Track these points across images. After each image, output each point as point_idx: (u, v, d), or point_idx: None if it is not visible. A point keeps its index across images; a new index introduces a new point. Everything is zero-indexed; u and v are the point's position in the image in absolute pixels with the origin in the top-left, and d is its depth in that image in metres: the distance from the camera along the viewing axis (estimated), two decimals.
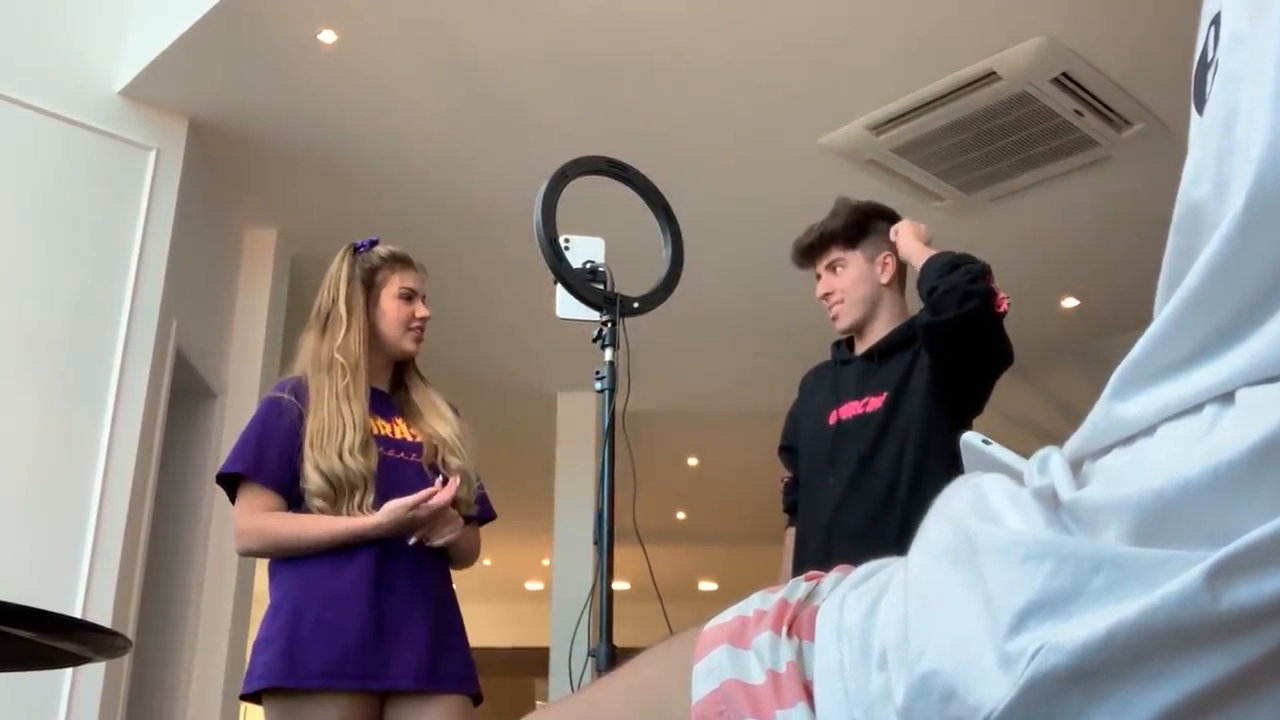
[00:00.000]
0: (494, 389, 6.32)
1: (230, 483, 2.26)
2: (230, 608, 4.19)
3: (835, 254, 2.49)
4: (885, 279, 2.48)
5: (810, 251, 2.53)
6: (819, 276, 2.53)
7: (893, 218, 2.55)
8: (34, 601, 1.57)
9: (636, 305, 2.22)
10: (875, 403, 2.36)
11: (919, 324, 2.30)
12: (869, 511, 2.27)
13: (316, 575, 2.17)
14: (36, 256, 3.52)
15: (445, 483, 2.23)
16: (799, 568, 2.40)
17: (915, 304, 2.53)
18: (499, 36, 3.58)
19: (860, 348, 2.50)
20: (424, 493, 2.18)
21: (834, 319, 2.51)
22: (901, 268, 2.51)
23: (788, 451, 2.60)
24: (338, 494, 2.19)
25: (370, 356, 2.35)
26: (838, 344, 2.60)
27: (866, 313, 2.47)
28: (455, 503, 2.28)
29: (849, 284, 2.47)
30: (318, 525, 2.18)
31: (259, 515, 2.20)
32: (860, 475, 2.31)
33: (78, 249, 3.61)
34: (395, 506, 2.16)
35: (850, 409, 2.40)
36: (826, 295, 2.50)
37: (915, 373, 2.33)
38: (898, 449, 2.30)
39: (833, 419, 2.42)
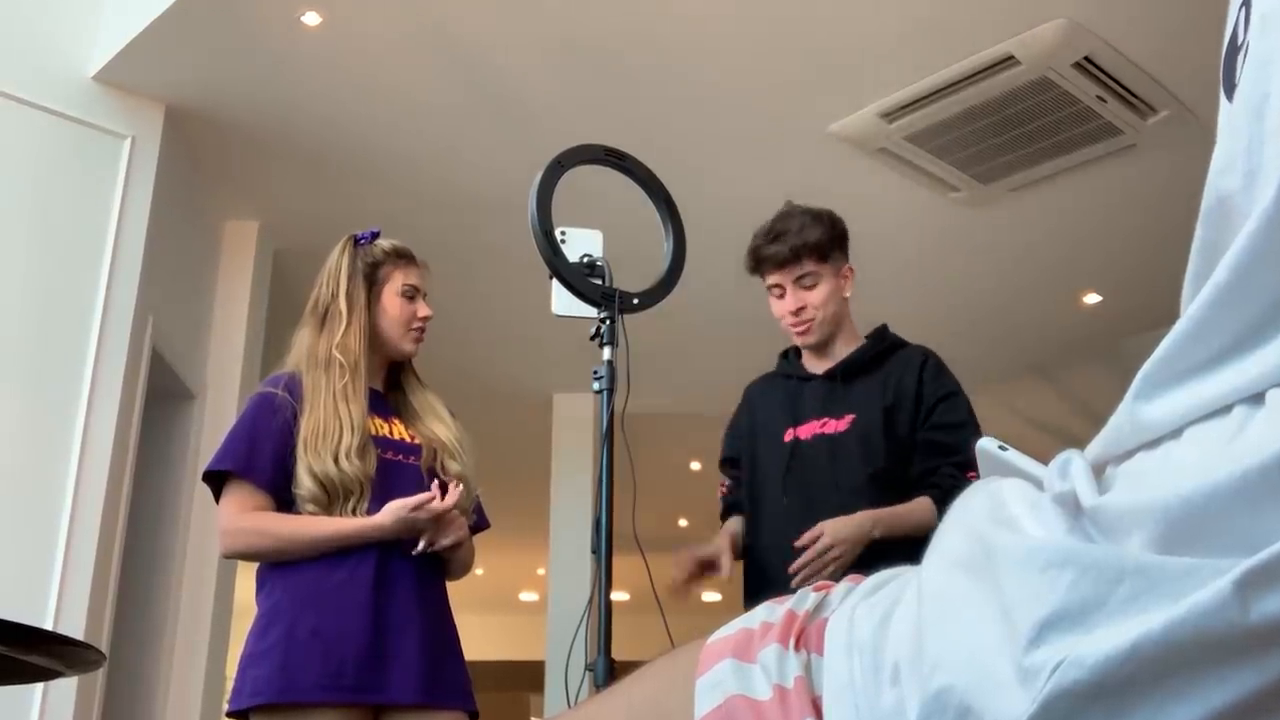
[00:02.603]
0: (487, 389, 6.32)
1: (217, 481, 2.25)
2: (209, 619, 4.19)
3: (809, 267, 2.43)
4: (848, 293, 2.49)
5: (782, 264, 2.44)
6: (778, 287, 2.46)
7: (847, 232, 2.53)
8: (2, 613, 1.57)
9: (636, 301, 2.23)
10: (836, 425, 2.39)
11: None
12: None
13: (311, 583, 2.16)
14: (4, 250, 3.52)
15: (445, 489, 2.24)
16: (753, 589, 2.43)
17: (863, 323, 2.58)
18: (493, 19, 3.57)
19: (818, 363, 2.50)
20: (425, 495, 2.19)
21: (801, 334, 2.47)
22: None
23: (730, 464, 2.60)
24: (331, 499, 2.19)
25: (368, 355, 2.35)
26: (785, 354, 2.61)
27: (833, 329, 2.48)
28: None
29: (823, 300, 2.44)
30: (314, 526, 2.17)
31: (248, 515, 2.19)
32: (820, 497, 2.33)
33: (48, 242, 3.61)
34: (396, 507, 2.16)
35: (809, 429, 2.42)
36: (798, 310, 2.44)
37: (883, 398, 2.38)
38: (860, 473, 2.34)
39: (788, 437, 2.44)
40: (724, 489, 2.62)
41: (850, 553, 2.21)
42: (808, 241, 2.42)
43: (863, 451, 2.35)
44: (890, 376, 2.41)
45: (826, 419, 2.41)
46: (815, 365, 2.51)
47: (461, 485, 2.27)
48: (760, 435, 2.51)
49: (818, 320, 2.44)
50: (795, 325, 2.46)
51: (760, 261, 2.47)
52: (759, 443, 2.51)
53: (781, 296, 2.47)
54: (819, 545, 2.20)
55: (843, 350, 2.48)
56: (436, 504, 2.18)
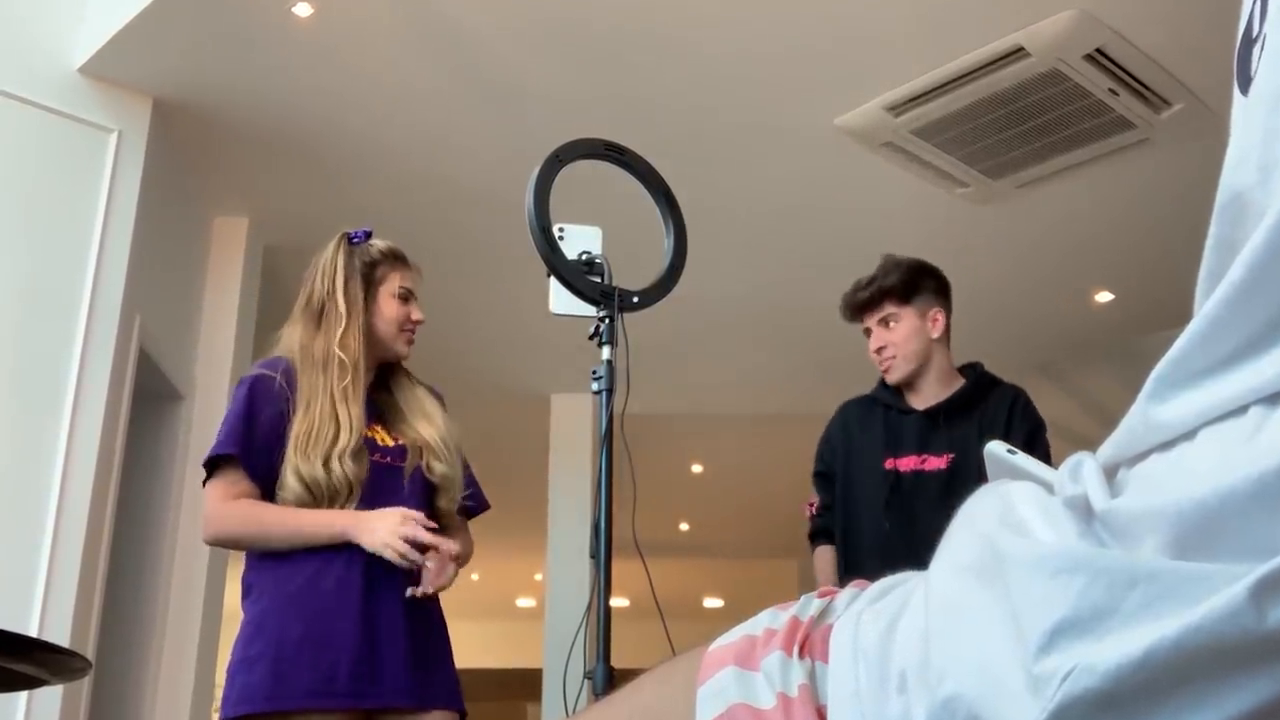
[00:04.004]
0: (483, 390, 6.32)
1: (210, 469, 2.25)
2: (199, 624, 4.18)
3: (889, 309, 2.73)
4: (936, 334, 2.73)
5: (864, 307, 2.75)
6: (868, 330, 2.78)
7: (940, 279, 2.79)
8: None
9: (636, 300, 2.23)
10: (935, 462, 2.62)
11: None
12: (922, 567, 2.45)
13: (300, 587, 2.17)
14: None
15: (436, 494, 2.27)
16: None
17: (959, 356, 2.82)
18: (489, 8, 3.57)
19: (912, 399, 2.74)
20: (426, 525, 2.18)
21: (885, 371, 2.74)
22: (949, 323, 2.78)
23: (824, 478, 2.82)
24: (316, 501, 2.19)
25: (366, 356, 2.35)
26: (884, 381, 2.81)
27: (918, 367, 2.72)
28: (439, 513, 2.30)
29: (903, 339, 2.71)
30: (300, 518, 2.17)
31: (234, 502, 2.20)
32: (921, 529, 2.49)
33: (33, 239, 3.61)
34: (400, 515, 2.16)
35: (908, 462, 2.64)
36: (880, 349, 2.74)
37: (979, 439, 2.55)
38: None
39: (889, 465, 2.66)
40: (812, 508, 2.85)
41: None
42: (886, 284, 2.74)
43: (962, 491, 2.43)
44: (985, 416, 2.66)
45: (926, 455, 2.64)
46: (914, 400, 2.74)
47: (450, 562, 2.23)
48: (856, 458, 2.75)
49: (899, 358, 2.72)
50: (880, 363, 2.75)
51: (847, 308, 2.80)
52: (854, 466, 2.75)
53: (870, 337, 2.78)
54: None
55: (934, 387, 2.72)
56: (424, 561, 2.17)
